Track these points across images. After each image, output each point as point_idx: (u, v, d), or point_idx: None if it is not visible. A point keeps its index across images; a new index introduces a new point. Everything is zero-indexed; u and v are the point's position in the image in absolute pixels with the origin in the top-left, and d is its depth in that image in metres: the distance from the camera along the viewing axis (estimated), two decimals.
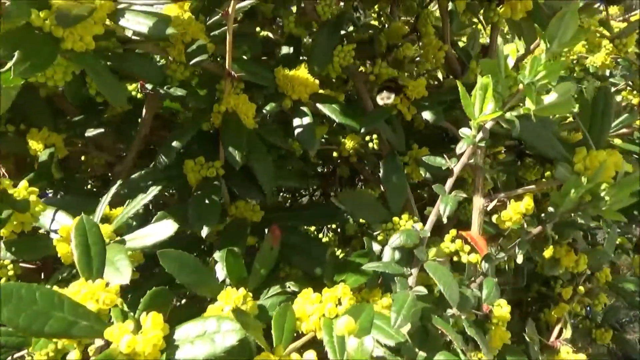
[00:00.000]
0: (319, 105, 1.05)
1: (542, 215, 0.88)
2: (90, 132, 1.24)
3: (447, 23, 1.36)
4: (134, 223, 1.02)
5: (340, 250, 1.46)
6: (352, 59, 1.14)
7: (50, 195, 1.36)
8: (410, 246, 0.76)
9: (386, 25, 1.84)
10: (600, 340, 1.79)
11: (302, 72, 1.07)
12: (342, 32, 1.14)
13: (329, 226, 1.50)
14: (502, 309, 1.03)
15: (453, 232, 1.07)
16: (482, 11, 1.31)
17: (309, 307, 0.78)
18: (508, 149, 1.50)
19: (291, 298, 0.84)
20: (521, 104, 0.72)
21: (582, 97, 1.13)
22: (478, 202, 1.09)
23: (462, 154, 0.74)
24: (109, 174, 1.46)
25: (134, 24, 0.75)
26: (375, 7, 1.96)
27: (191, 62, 0.87)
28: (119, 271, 0.73)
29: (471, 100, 0.68)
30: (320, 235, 1.51)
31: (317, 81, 1.08)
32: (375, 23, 1.99)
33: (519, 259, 0.89)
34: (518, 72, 0.68)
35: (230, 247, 0.93)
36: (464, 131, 0.72)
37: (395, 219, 0.99)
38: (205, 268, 0.80)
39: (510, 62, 0.69)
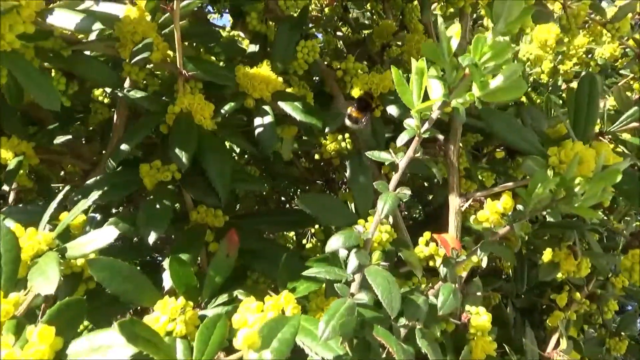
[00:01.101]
0: (280, 104, 1.00)
1: (509, 214, 0.80)
2: (60, 139, 1.22)
3: (428, 16, 1.29)
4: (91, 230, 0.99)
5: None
6: (319, 55, 1.09)
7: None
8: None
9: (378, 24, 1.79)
10: (614, 350, 1.66)
11: (263, 69, 1.02)
12: (305, 27, 1.08)
13: (312, 231, 1.44)
14: (480, 318, 0.95)
15: (427, 234, 1.00)
16: None
17: (250, 316, 0.72)
18: (500, 146, 1.42)
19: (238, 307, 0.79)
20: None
21: (570, 88, 1.04)
22: (454, 202, 1.02)
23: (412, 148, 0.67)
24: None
25: (61, 21, 0.72)
26: (368, 5, 1.92)
27: (132, 61, 0.84)
28: (48, 280, 0.70)
29: (409, 87, 0.62)
30: (304, 241, 1.45)
31: (280, 79, 1.03)
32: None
33: (484, 263, 0.81)
34: (462, 55, 0.61)
35: (182, 253, 0.89)
36: (408, 122, 0.66)
37: (361, 221, 0.93)
38: (142, 276, 0.75)
39: (454, 44, 0.62)
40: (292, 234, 1.47)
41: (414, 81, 0.61)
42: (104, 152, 1.46)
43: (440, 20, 0.62)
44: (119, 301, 0.89)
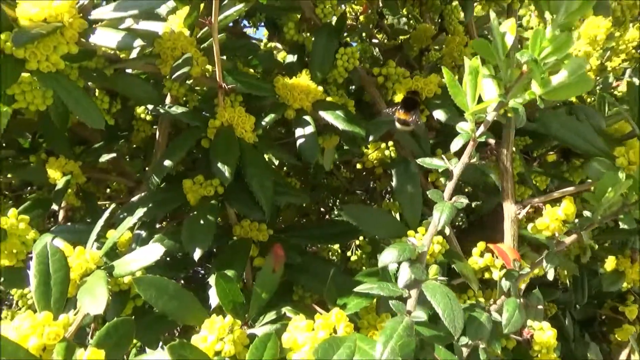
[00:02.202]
0: (321, 113, 0.97)
1: (576, 221, 0.74)
2: (105, 157, 1.24)
3: (470, 16, 1.24)
4: (137, 247, 0.99)
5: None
6: (358, 61, 1.06)
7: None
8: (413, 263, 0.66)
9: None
10: None
11: (303, 79, 1.00)
12: (343, 34, 1.05)
13: (357, 243, 1.40)
14: (545, 334, 0.88)
15: (482, 245, 0.95)
16: None
17: (300, 336, 0.69)
18: (552, 149, 1.34)
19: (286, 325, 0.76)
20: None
21: (631, 82, 0.97)
22: (509, 209, 0.96)
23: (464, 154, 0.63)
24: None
25: (103, 40, 0.73)
26: (404, 10, 1.88)
27: (173, 76, 0.83)
28: (96, 299, 0.69)
29: (462, 88, 0.58)
30: (349, 254, 1.41)
31: (320, 88, 1.00)
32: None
33: (550, 275, 0.75)
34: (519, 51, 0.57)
35: (226, 269, 0.88)
36: (461, 126, 0.61)
37: (411, 232, 0.89)
38: (188, 294, 0.74)
39: (509, 40, 0.58)
40: (336, 246, 1.44)
41: (468, 81, 0.57)
42: (147, 168, 1.48)
43: (492, 15, 0.58)
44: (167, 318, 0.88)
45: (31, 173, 1.24)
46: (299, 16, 1.25)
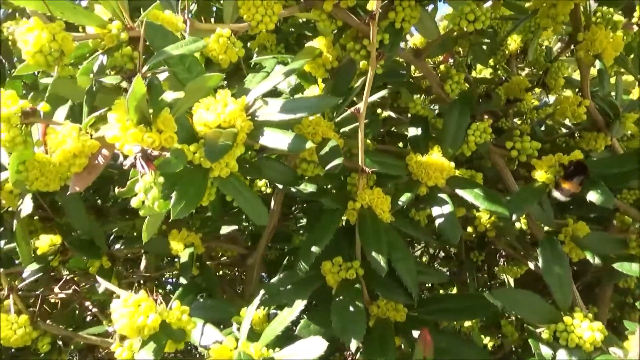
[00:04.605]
0: (459, 192, 0.97)
1: None
2: (226, 229, 1.27)
3: (586, 78, 1.22)
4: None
5: (488, 339, 1.30)
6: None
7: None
8: None
9: (504, 79, 1.76)
10: None
11: (435, 156, 1.00)
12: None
13: None
14: None
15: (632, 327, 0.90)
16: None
17: None
18: None
19: None
20: None
21: None
22: None
23: None
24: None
25: (274, 142, 0.75)
26: (491, 61, 1.89)
27: (327, 168, 0.85)
28: None
29: None
30: None
31: (452, 164, 1.00)
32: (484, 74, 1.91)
33: None
34: None
35: (378, 355, 0.87)
36: None
37: (567, 319, 0.86)
38: None
39: None
40: None
41: None
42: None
43: None
44: None
45: (154, 245, 1.29)
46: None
